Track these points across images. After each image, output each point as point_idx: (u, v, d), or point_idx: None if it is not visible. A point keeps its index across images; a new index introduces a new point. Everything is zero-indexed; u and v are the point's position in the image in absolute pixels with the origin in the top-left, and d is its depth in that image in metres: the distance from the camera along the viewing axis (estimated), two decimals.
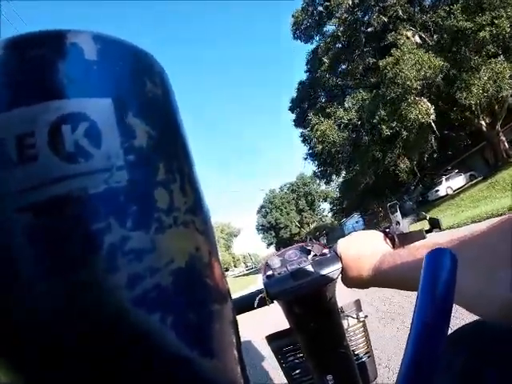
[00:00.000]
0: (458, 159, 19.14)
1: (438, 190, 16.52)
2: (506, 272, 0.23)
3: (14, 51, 0.13)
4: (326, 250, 0.51)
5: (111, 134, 0.13)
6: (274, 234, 50.95)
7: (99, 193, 0.12)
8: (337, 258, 0.47)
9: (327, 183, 23.56)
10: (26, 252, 0.11)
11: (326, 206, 49.69)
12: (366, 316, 0.62)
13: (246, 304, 0.48)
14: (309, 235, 39.61)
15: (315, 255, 0.51)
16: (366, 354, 0.63)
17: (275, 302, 0.48)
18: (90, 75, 0.13)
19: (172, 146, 0.15)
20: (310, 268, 0.46)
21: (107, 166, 0.12)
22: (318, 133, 16.51)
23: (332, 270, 0.46)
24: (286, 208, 48.14)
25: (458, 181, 16.83)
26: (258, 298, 0.47)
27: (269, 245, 55.67)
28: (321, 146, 16.99)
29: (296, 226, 47.77)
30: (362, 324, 0.63)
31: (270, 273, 0.50)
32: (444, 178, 16.94)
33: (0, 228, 0.11)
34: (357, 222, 36.90)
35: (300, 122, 20.81)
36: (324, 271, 0.46)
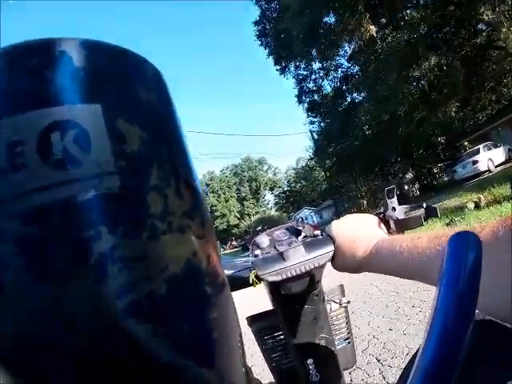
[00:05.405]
0: (476, 132, 13.50)
1: (476, 162, 10.66)
2: (509, 271, 0.23)
3: (2, 61, 0.13)
4: (317, 232, 0.50)
5: (101, 140, 0.13)
6: None
7: (88, 199, 0.12)
8: (329, 240, 0.47)
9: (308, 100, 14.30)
10: (14, 260, 0.11)
11: (270, 198, 43.50)
12: (348, 301, 0.62)
13: (235, 282, 0.50)
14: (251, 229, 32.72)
15: (305, 236, 0.50)
16: (347, 339, 0.63)
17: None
18: (78, 82, 0.13)
19: (167, 149, 0.15)
20: (301, 249, 0.46)
21: (97, 172, 0.12)
22: None
23: (324, 252, 0.45)
24: (225, 194, 40.45)
25: (497, 153, 11.26)
26: (248, 276, 0.48)
27: None
28: None
29: (235, 216, 40.36)
30: (344, 309, 0.62)
31: (257, 252, 0.49)
32: (481, 146, 11.13)
33: None
34: (306, 218, 30.75)
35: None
36: (315, 253, 0.45)
